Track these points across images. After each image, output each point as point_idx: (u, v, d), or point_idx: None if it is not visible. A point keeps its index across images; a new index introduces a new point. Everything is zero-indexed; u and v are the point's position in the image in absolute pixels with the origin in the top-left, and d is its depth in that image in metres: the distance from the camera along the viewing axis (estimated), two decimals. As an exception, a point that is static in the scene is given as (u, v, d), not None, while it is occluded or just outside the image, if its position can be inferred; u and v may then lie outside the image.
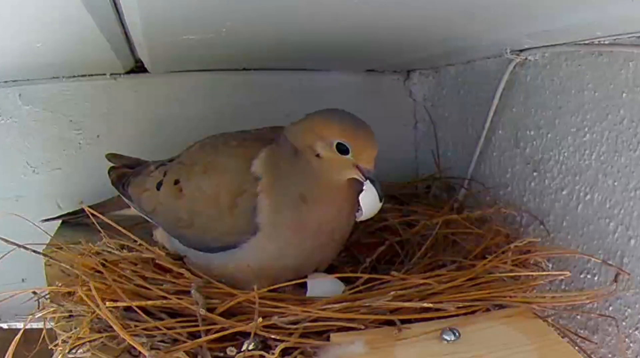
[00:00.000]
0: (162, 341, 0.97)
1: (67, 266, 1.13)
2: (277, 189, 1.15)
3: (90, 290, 1.00)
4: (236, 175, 1.17)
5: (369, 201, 1.20)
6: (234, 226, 1.16)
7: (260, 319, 0.96)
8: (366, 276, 1.13)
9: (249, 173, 1.16)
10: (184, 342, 0.97)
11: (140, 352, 0.94)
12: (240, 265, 1.16)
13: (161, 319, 1.01)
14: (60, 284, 1.12)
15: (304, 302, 1.05)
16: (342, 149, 1.11)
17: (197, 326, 0.99)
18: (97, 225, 1.22)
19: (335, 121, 1.14)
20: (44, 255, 1.17)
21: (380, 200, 1.15)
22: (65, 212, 1.57)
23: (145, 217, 1.33)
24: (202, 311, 0.99)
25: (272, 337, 0.96)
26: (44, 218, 1.50)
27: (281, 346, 0.94)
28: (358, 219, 1.25)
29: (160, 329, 0.98)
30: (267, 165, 1.16)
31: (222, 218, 1.17)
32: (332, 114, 1.16)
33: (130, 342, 0.93)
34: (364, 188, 1.18)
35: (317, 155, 1.12)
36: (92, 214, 1.23)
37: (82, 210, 1.44)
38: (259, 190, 1.14)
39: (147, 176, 1.33)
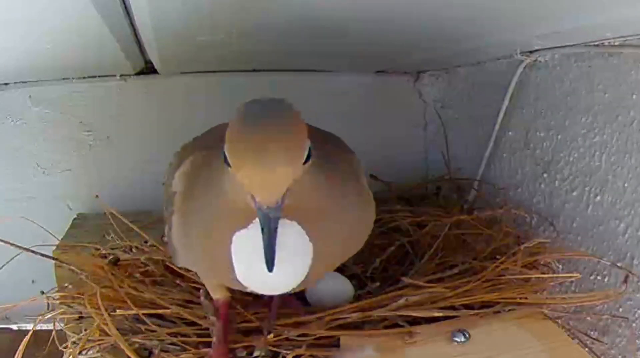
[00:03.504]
0: (172, 343, 0.98)
1: (76, 269, 1.13)
2: (188, 210, 0.88)
3: (96, 296, 1.00)
4: (166, 188, 0.97)
5: (246, 258, 0.77)
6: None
7: (270, 335, 0.96)
8: (376, 283, 1.14)
9: (171, 187, 0.94)
10: (192, 348, 0.97)
11: (150, 354, 0.94)
12: None
13: (173, 322, 1.02)
14: (69, 285, 1.12)
15: (313, 313, 1.04)
16: (227, 161, 0.71)
17: (206, 333, 0.99)
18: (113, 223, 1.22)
19: (234, 116, 0.72)
20: (53, 258, 1.18)
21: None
22: None
23: None
24: (213, 319, 0.99)
25: (283, 352, 0.96)
26: None
27: (292, 354, 0.94)
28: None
29: (170, 335, 0.99)
30: (185, 180, 0.91)
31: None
32: (244, 106, 0.74)
33: (129, 354, 0.94)
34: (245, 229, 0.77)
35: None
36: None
37: None
38: (174, 208, 0.92)
39: None
